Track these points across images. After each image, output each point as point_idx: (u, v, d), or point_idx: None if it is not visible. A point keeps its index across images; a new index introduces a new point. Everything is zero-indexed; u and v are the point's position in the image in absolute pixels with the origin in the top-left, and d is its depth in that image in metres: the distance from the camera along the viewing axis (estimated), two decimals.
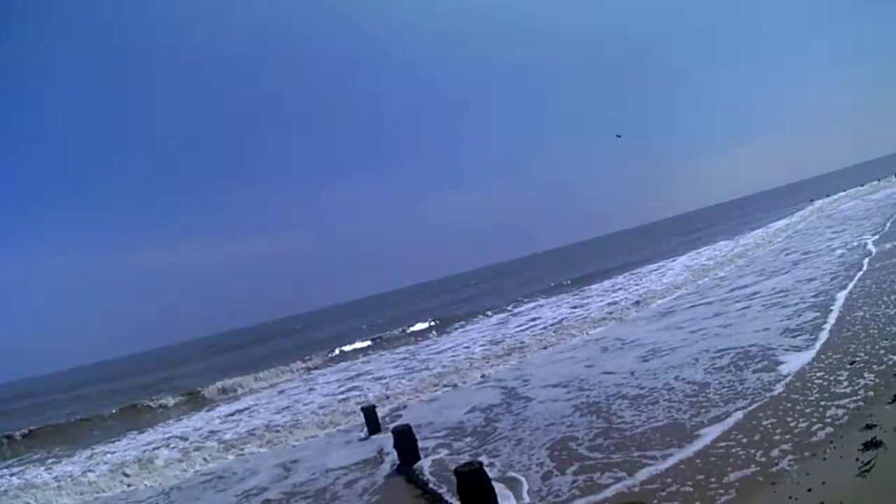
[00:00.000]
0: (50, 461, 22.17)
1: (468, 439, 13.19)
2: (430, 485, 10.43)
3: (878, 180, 74.90)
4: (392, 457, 12.87)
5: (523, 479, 9.75)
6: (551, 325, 28.20)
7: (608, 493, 8.33)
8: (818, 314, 15.77)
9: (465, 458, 11.31)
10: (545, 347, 22.36)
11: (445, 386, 19.61)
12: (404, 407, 18.33)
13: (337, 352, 36.74)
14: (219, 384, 31.56)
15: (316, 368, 32.62)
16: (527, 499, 8.92)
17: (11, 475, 20.85)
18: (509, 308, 42.32)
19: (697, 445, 9.09)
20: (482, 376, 19.89)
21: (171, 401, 30.72)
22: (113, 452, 21.24)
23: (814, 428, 8.42)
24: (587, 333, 23.22)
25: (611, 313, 26.54)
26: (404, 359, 29.34)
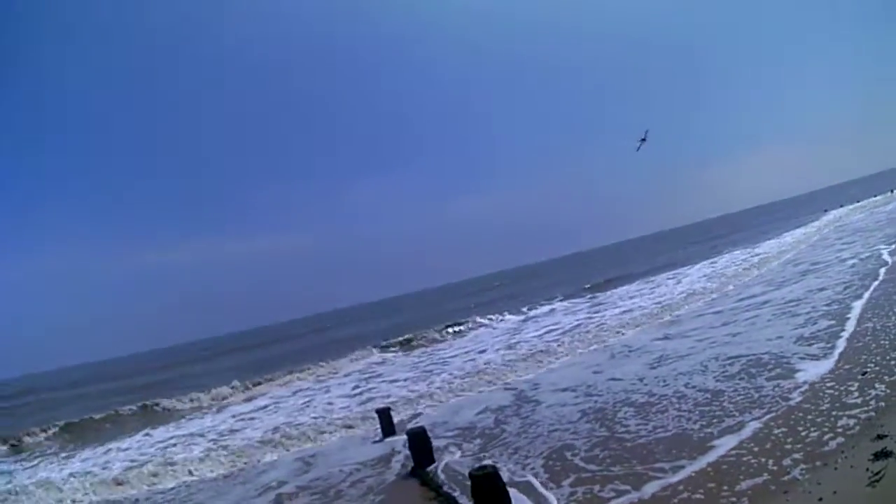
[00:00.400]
0: (64, 456, 22.38)
1: (477, 441, 13.45)
2: (444, 487, 10.54)
3: (892, 191, 74.19)
4: (405, 458, 13.08)
5: (538, 482, 9.82)
6: (567, 330, 28.40)
7: None
8: (833, 322, 15.82)
9: (469, 461, 11.71)
10: (558, 352, 22.43)
11: (460, 388, 19.80)
12: (418, 408, 18.50)
13: (353, 354, 36.55)
14: (235, 384, 31.48)
15: (332, 370, 32.42)
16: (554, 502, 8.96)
17: (24, 469, 21.12)
18: (526, 311, 42.62)
19: (711, 457, 9.05)
20: (495, 379, 20.04)
21: (184, 399, 30.57)
22: (126, 449, 21.45)
23: (825, 437, 8.51)
24: (601, 340, 23.25)
25: (625, 321, 26.57)
26: (419, 361, 29.61)
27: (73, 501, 15.97)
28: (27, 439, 27.01)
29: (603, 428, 12.05)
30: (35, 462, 22.38)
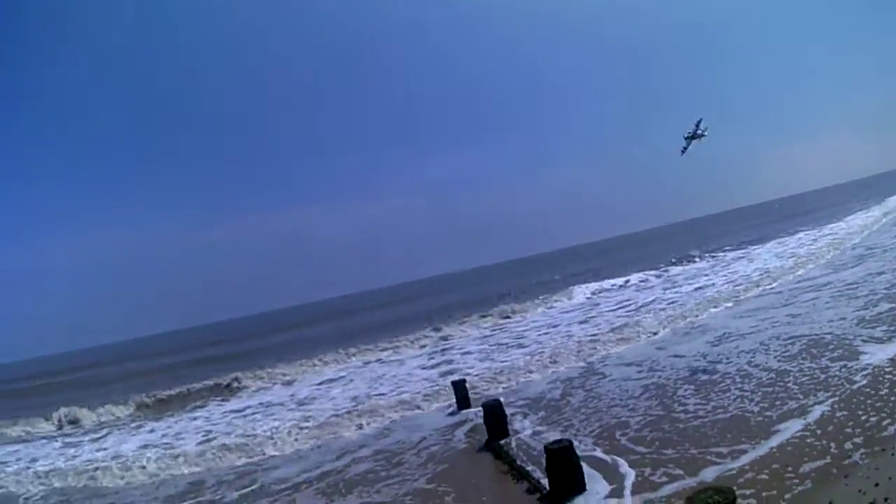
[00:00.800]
0: (134, 427, 23.66)
1: (542, 413, 14.35)
2: (518, 461, 11.09)
3: None
4: (473, 430, 14.03)
5: (609, 458, 10.32)
6: (641, 306, 29.35)
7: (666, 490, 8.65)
8: (894, 305, 16.08)
9: (542, 434, 12.35)
10: (630, 328, 23.01)
11: (533, 361, 20.58)
12: (493, 380, 19.19)
13: (431, 326, 36.95)
14: (313, 360, 31.47)
15: (408, 342, 32.75)
16: (630, 484, 9.16)
17: (92, 441, 22.24)
18: (601, 286, 43.32)
19: (774, 441, 9.31)
20: (568, 352, 20.81)
21: (262, 372, 30.62)
22: (196, 419, 22.87)
23: (884, 423, 8.97)
24: (671, 318, 23.61)
25: (696, 298, 27.19)
26: (495, 334, 30.58)
27: (147, 476, 16.35)
28: (92, 414, 27.87)
29: (660, 406, 12.64)
30: (104, 434, 23.45)
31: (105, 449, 20.63)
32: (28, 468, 19.20)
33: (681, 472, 9.04)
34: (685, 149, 22.26)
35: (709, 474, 8.72)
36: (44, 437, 25.22)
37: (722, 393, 12.44)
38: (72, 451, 21.16)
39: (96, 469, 17.47)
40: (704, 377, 14.00)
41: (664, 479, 8.99)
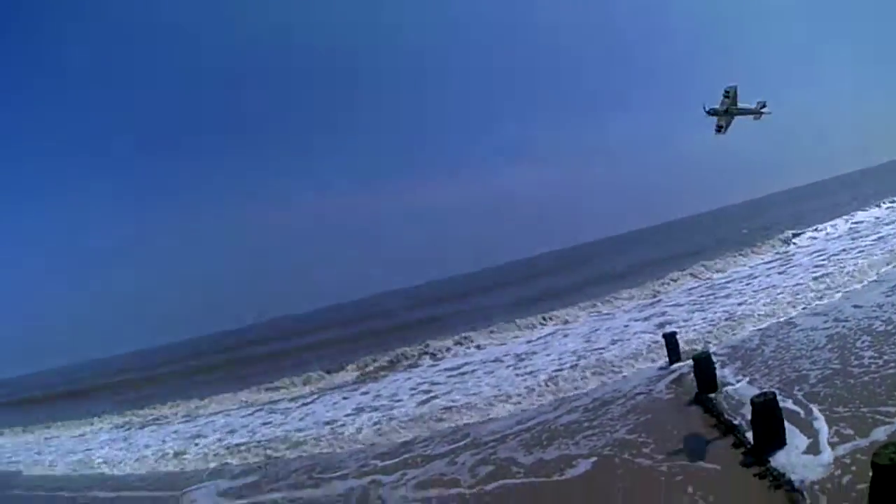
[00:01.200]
0: (350, 391, 25.23)
1: (737, 363, 15.74)
2: (725, 415, 11.84)
3: None
4: (676, 382, 15.56)
5: (802, 410, 11.11)
6: (831, 255, 30.30)
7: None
8: None
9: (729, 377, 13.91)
10: (823, 278, 24.09)
11: (734, 311, 22.42)
12: (699, 331, 20.80)
13: (640, 280, 37.98)
14: (526, 317, 32.67)
15: (617, 297, 33.68)
16: (825, 440, 9.58)
17: (298, 407, 24.05)
18: (793, 237, 42.89)
19: None
20: (767, 303, 22.38)
21: (474, 331, 31.98)
22: (410, 378, 24.85)
23: None
24: (858, 268, 24.07)
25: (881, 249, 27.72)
26: (698, 287, 32.10)
27: (359, 441, 17.27)
28: (297, 381, 29.64)
29: (838, 359, 13.65)
30: (312, 400, 25.34)
31: (311, 414, 22.22)
32: (222, 440, 20.82)
33: (851, 431, 9.61)
34: (721, 127, 18.21)
35: (877, 434, 9.15)
36: (247, 407, 27.11)
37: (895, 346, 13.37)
38: (278, 417, 22.89)
39: (303, 436, 18.71)
40: (881, 328, 15.13)
41: (836, 438, 9.54)
